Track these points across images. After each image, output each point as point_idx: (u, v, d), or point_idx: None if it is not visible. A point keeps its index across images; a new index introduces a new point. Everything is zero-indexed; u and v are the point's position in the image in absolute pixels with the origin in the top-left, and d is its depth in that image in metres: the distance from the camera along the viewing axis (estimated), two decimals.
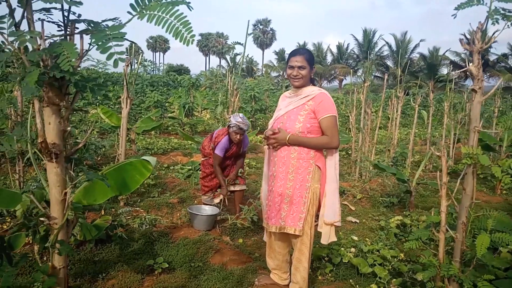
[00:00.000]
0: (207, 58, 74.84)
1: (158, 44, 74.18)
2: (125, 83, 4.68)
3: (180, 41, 1.37)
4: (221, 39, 70.70)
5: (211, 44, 71.07)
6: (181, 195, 5.48)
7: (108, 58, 1.20)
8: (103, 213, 4.29)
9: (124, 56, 1.19)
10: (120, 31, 1.21)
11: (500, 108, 10.79)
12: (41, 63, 1.31)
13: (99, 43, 1.20)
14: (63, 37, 1.34)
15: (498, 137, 9.46)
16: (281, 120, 2.85)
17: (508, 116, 7.70)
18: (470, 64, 2.07)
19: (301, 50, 2.80)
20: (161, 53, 77.16)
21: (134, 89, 13.34)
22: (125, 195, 5.03)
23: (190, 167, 7.00)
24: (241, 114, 4.63)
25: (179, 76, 19.29)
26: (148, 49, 74.34)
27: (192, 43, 1.40)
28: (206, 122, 13.68)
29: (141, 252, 3.70)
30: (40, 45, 1.30)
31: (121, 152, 4.90)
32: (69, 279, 3.09)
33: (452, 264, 2.24)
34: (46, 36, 1.34)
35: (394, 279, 3.40)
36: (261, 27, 67.53)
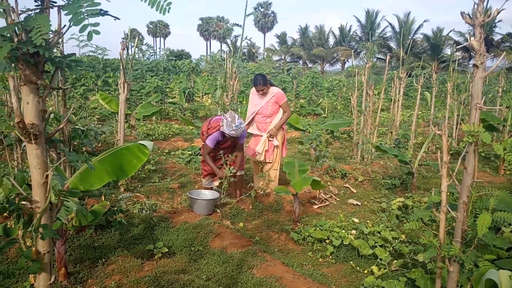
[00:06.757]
0: (208, 43, 74.09)
1: (159, 29, 73.33)
2: (121, 67, 4.62)
3: (157, 10, 1.30)
4: (221, 23, 69.82)
5: (212, 28, 70.23)
6: (182, 180, 5.46)
7: (82, 30, 1.14)
8: (103, 199, 4.28)
9: (98, 28, 1.14)
10: (95, 0, 1.15)
11: (504, 88, 10.59)
12: (15, 38, 1.25)
13: (72, 15, 1.14)
14: (39, 12, 1.28)
15: (502, 117, 9.35)
16: (260, 109, 5.13)
17: None
18: (472, 38, 1.99)
19: (258, 81, 4.98)
20: (161, 38, 76.37)
21: (134, 75, 13.18)
22: (126, 181, 5.01)
23: (190, 152, 6.97)
24: (237, 119, 4.31)
25: (179, 61, 19.01)
26: (149, 34, 73.46)
27: (168, 11, 1.32)
28: (207, 107, 13.60)
29: (141, 237, 3.69)
30: (13, 19, 1.25)
31: (120, 138, 4.87)
32: (69, 265, 3.09)
33: (452, 245, 2.21)
34: (21, 10, 1.28)
35: (395, 261, 3.39)
36: (262, 10, 66.51)
